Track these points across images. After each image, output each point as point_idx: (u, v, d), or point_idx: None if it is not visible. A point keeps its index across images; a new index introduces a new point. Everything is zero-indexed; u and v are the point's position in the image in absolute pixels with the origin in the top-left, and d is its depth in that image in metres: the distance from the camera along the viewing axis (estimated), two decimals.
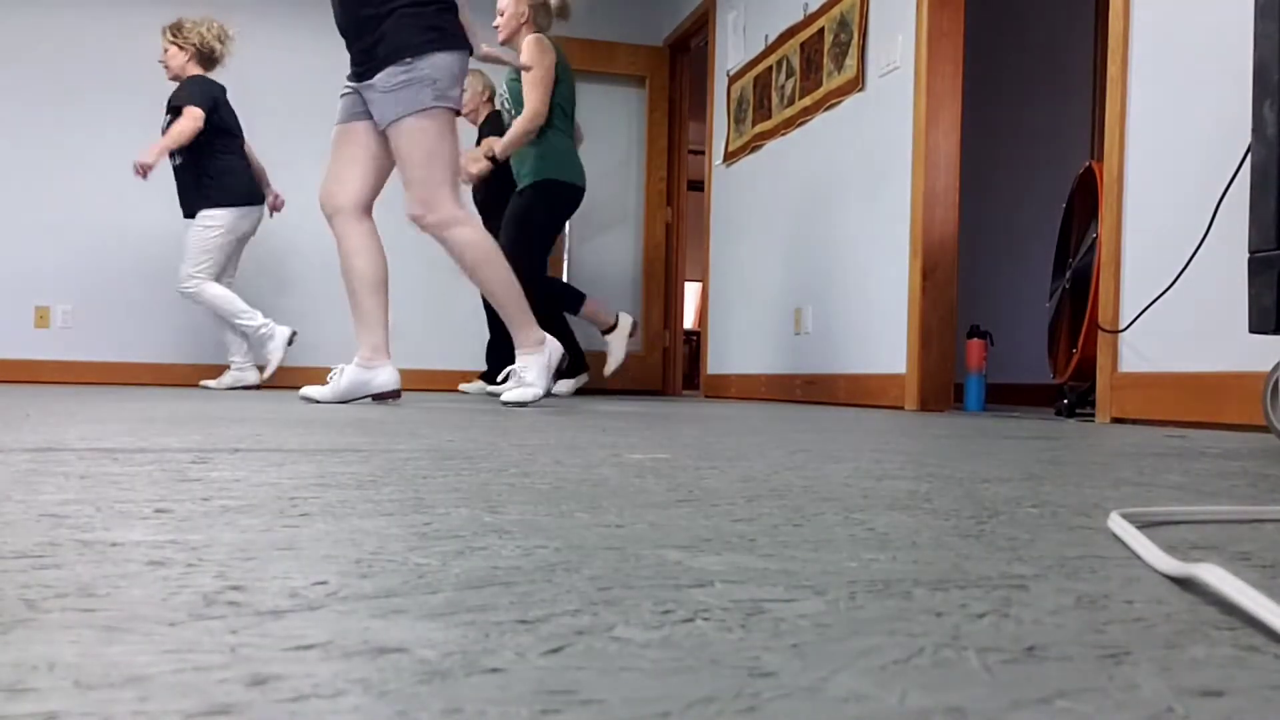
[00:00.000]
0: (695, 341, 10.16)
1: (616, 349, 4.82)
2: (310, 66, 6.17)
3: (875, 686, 0.31)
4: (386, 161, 3.09)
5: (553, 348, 3.01)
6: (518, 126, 4.37)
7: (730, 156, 5.65)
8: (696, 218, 9.13)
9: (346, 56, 6.23)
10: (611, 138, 6.76)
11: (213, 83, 4.89)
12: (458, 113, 2.99)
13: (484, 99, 5.28)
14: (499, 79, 5.19)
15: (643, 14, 6.84)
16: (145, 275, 5.99)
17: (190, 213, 4.93)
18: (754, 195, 5.39)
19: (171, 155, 4.91)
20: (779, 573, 0.50)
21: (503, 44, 4.55)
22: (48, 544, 0.53)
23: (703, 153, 8.76)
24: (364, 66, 2.93)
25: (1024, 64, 5.64)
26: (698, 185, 8.90)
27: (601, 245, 6.73)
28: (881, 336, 4.11)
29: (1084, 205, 3.33)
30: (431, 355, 6.33)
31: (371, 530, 0.60)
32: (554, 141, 4.51)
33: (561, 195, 4.54)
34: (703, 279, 6.08)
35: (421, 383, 6.29)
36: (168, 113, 4.87)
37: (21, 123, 5.86)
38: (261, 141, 5.89)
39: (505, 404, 2.95)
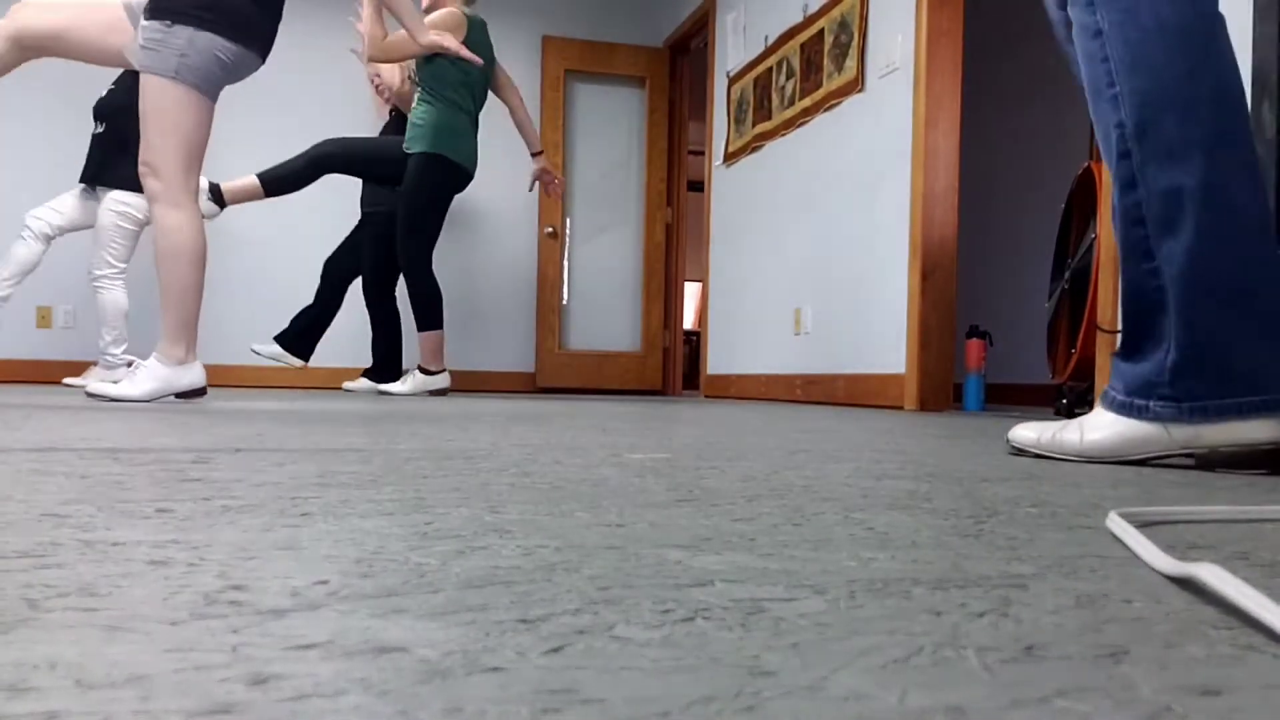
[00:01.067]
0: (695, 341, 10.16)
1: (408, 386, 4.52)
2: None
3: (875, 686, 0.31)
4: (86, 48, 2.94)
5: (189, 379, 2.75)
6: (414, 28, 3.28)
7: (730, 157, 5.65)
8: (696, 218, 9.13)
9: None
10: (611, 138, 6.76)
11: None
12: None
13: (405, 77, 4.92)
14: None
15: (643, 15, 6.84)
16: (146, 275, 5.99)
17: (97, 183, 4.60)
18: (754, 196, 5.39)
19: (96, 119, 4.63)
20: (779, 572, 0.50)
21: (425, 11, 4.39)
22: (49, 543, 0.53)
23: (703, 153, 8.76)
24: (147, 7, 2.78)
25: (1023, 65, 5.64)
26: (698, 186, 8.91)
27: (601, 245, 6.73)
28: (881, 337, 4.11)
29: (1083, 205, 3.33)
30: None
31: (372, 530, 0.60)
32: (451, 118, 4.36)
33: (445, 169, 4.36)
34: (703, 279, 6.08)
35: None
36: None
37: (24, 122, 5.86)
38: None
39: (89, 394, 2.75)
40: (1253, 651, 0.37)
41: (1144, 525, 0.70)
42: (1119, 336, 1.37)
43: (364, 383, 5.14)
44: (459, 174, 4.42)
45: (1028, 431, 1.41)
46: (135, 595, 0.42)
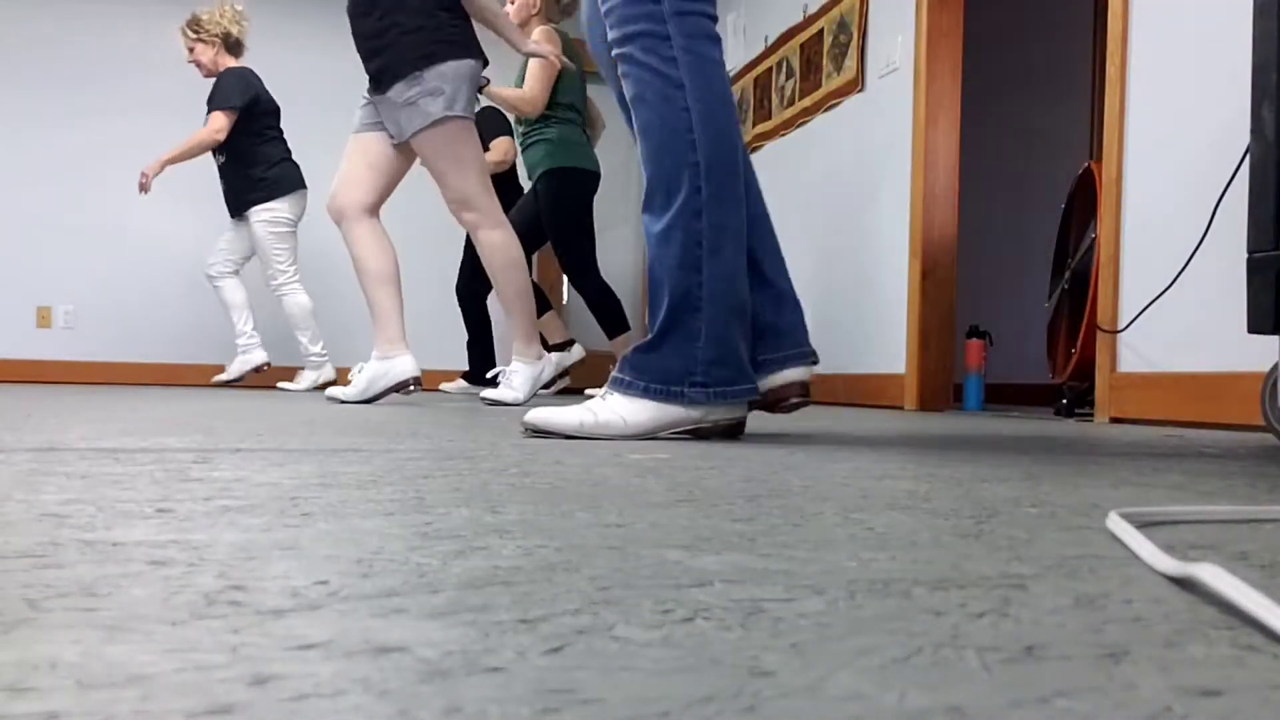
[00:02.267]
0: None
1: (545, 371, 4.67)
2: (319, 66, 6.17)
3: (874, 686, 0.31)
4: (397, 171, 3.17)
5: (547, 364, 3.11)
6: (511, 95, 4.31)
7: None
8: None
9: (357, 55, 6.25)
10: (612, 138, 6.76)
11: (247, 72, 4.79)
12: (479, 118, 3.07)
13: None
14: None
15: None
16: (147, 275, 5.99)
17: (239, 210, 4.84)
18: None
19: (215, 153, 4.85)
20: (779, 572, 0.50)
21: None
22: (49, 543, 0.53)
23: None
24: (376, 80, 3.02)
25: (1023, 65, 5.64)
26: None
27: (602, 245, 6.73)
28: (881, 336, 4.11)
29: (1083, 206, 3.33)
30: (427, 355, 6.33)
31: (372, 530, 0.60)
32: (563, 132, 4.50)
33: (577, 180, 4.51)
34: None
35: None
36: (209, 112, 4.75)
37: (24, 122, 5.86)
38: None
39: (484, 401, 3.08)
40: (1253, 652, 0.37)
41: (1144, 525, 0.70)
42: (650, 335, 1.62)
43: (460, 384, 5.24)
44: (592, 179, 4.58)
45: (560, 416, 1.59)
46: (135, 595, 0.42)
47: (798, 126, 4.85)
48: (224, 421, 1.85)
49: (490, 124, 5.07)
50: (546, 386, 4.94)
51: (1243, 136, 2.50)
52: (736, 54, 5.58)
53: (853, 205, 4.37)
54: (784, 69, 4.98)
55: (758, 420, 2.48)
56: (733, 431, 1.68)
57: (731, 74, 5.62)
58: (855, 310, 4.31)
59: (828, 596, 0.45)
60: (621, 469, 1.06)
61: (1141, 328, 2.83)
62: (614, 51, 1.67)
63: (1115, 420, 2.90)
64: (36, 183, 5.86)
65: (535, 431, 1.60)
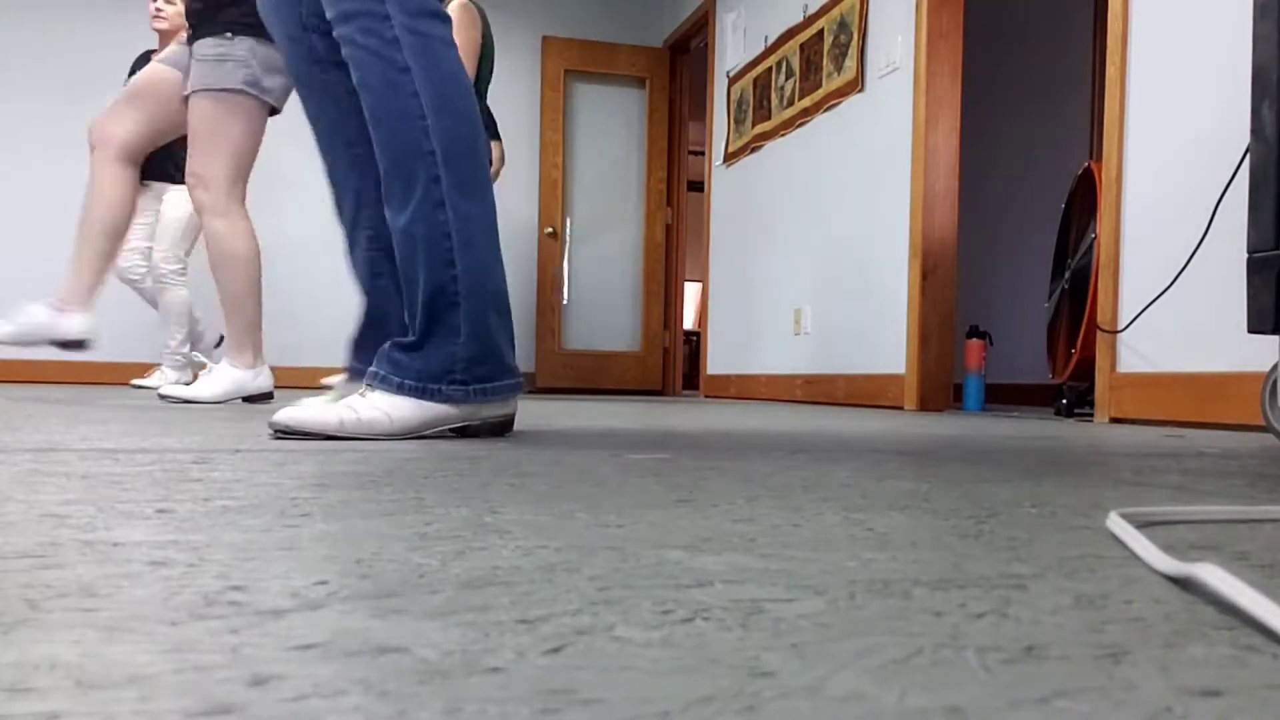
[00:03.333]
0: (695, 341, 10.16)
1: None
2: None
3: (874, 686, 0.31)
4: (173, 123, 2.93)
5: (262, 376, 2.83)
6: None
7: (730, 157, 5.65)
8: (696, 218, 9.12)
9: None
10: (611, 138, 6.76)
11: None
12: (274, 110, 2.82)
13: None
14: None
15: (643, 15, 6.84)
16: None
17: (155, 177, 4.52)
18: (754, 196, 5.39)
19: None
20: (779, 573, 0.50)
21: None
22: (49, 544, 0.53)
23: (703, 153, 8.76)
24: (194, 26, 2.78)
25: (1023, 65, 5.64)
26: (698, 186, 8.90)
27: (602, 245, 6.73)
28: (881, 336, 4.11)
29: (1083, 205, 3.33)
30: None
31: (372, 530, 0.60)
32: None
33: None
34: (703, 279, 6.08)
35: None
36: None
37: (20, 122, 5.86)
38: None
39: (162, 396, 2.81)
40: (1253, 652, 0.37)
41: (1144, 525, 0.70)
42: (410, 332, 1.55)
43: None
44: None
45: (315, 415, 1.44)
46: (135, 596, 0.42)
47: (798, 127, 4.85)
48: (223, 422, 1.85)
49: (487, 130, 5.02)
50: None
51: (1243, 136, 2.50)
52: (736, 54, 5.58)
53: (853, 205, 4.37)
54: (784, 69, 4.98)
55: (757, 420, 2.48)
56: (500, 429, 1.62)
57: (731, 74, 5.62)
58: (855, 310, 4.32)
59: (828, 597, 0.45)
60: (621, 469, 1.06)
61: (1141, 328, 2.83)
62: (335, 32, 1.56)
63: (1115, 420, 2.90)
64: (34, 182, 5.86)
65: (284, 433, 1.44)
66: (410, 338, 1.55)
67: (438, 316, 1.53)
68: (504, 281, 1.60)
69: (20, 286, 5.85)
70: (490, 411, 1.58)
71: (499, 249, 1.60)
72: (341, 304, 6.23)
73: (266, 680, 0.30)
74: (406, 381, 1.52)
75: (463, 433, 1.59)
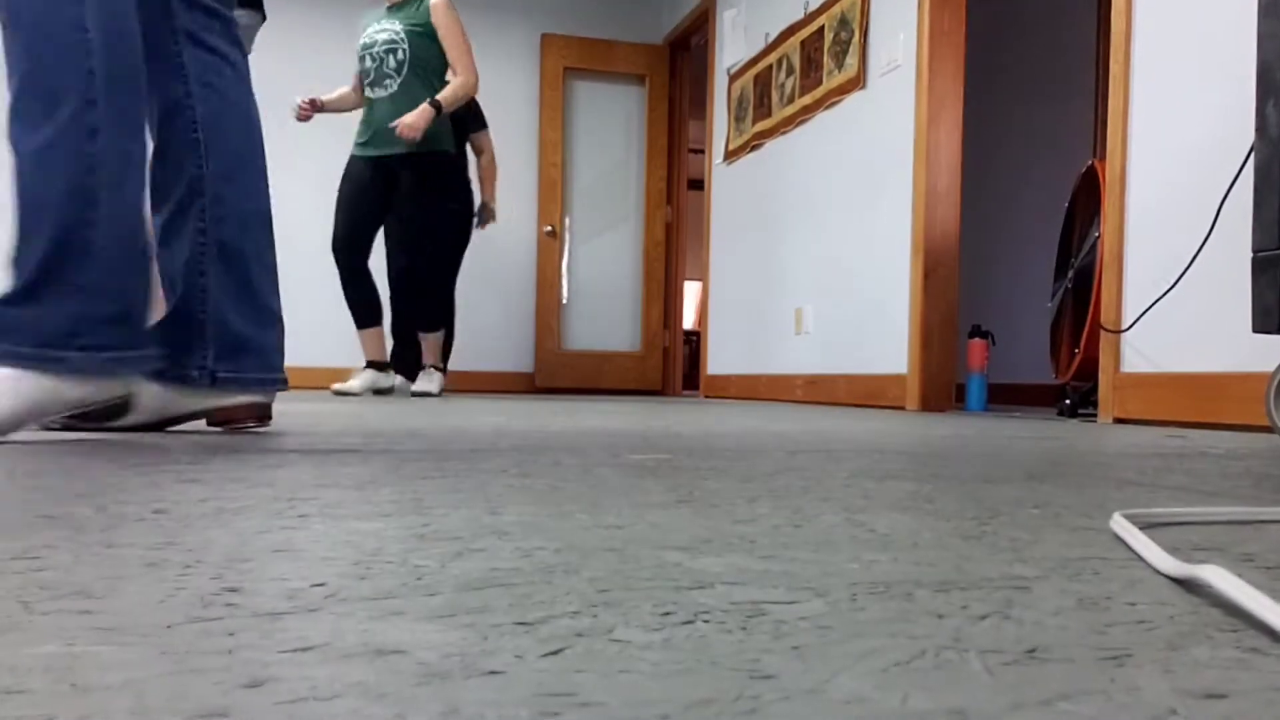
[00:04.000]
0: (695, 341, 10.16)
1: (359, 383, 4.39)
2: (304, 61, 6.17)
3: (876, 688, 0.31)
4: None
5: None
6: (455, 91, 4.16)
7: (730, 155, 5.65)
8: (696, 217, 9.13)
9: (341, 55, 6.24)
10: (611, 136, 6.76)
11: None
12: None
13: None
14: (385, 22, 4.28)
15: (643, 12, 6.84)
16: None
17: None
18: (754, 194, 5.38)
19: None
20: (779, 574, 0.50)
21: None
22: (44, 545, 0.53)
23: (703, 151, 8.76)
24: None
25: (1026, 62, 5.64)
26: (698, 184, 8.90)
27: (601, 245, 6.73)
28: (882, 336, 4.11)
29: (1086, 204, 3.33)
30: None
31: (370, 532, 0.60)
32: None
33: (462, 165, 4.63)
34: (703, 279, 6.08)
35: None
36: None
37: None
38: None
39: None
40: (1258, 654, 0.36)
41: (1148, 527, 0.69)
42: (16, 283, 1.28)
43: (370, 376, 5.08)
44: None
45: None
46: (130, 598, 0.41)
47: (799, 124, 4.85)
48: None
49: (474, 120, 4.96)
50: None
51: (1247, 135, 2.50)
52: (736, 51, 5.58)
53: (854, 204, 4.37)
54: (784, 66, 4.97)
55: (758, 420, 2.48)
56: (117, 413, 1.42)
57: (732, 71, 5.62)
58: (856, 310, 4.31)
59: (829, 599, 0.44)
60: (621, 469, 1.05)
61: (1145, 327, 2.83)
62: None
63: (1118, 420, 2.89)
64: None
65: None
66: (14, 287, 1.27)
67: (62, 265, 1.27)
68: (150, 239, 1.40)
69: None
70: (113, 390, 1.36)
71: (149, 206, 1.43)
72: None
73: (263, 683, 0.30)
74: (21, 349, 1.26)
75: (78, 421, 1.39)
